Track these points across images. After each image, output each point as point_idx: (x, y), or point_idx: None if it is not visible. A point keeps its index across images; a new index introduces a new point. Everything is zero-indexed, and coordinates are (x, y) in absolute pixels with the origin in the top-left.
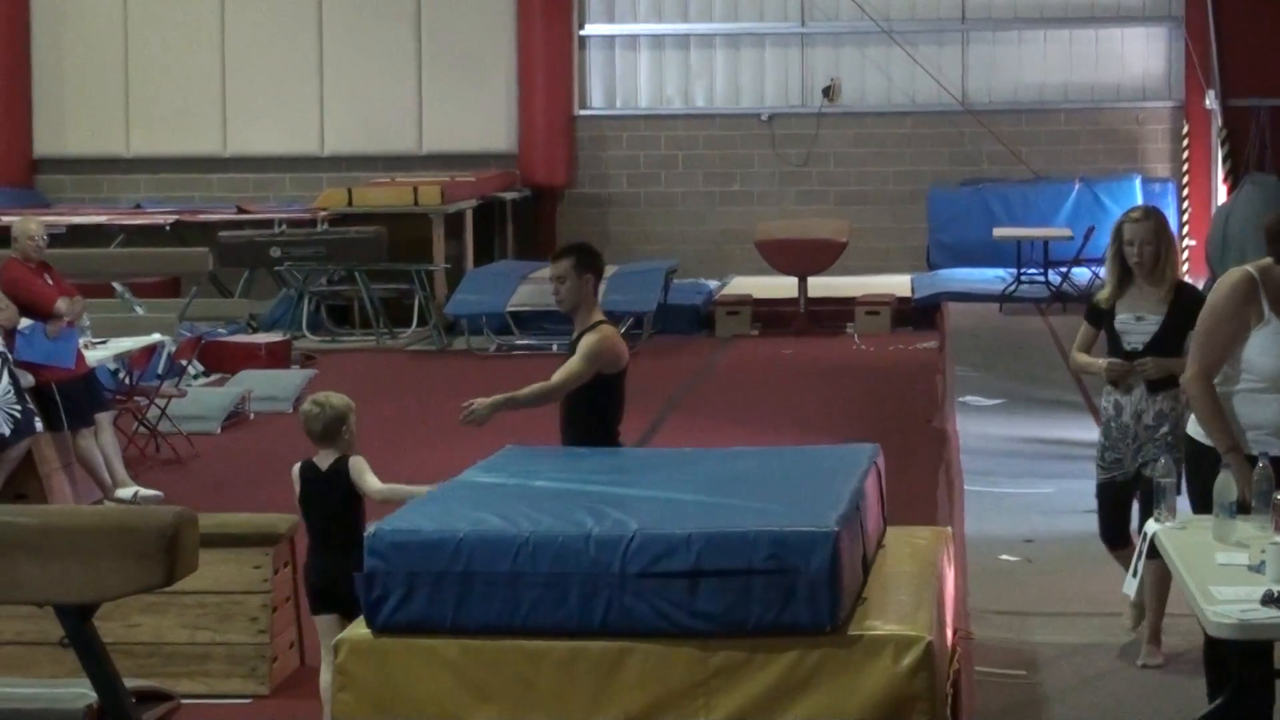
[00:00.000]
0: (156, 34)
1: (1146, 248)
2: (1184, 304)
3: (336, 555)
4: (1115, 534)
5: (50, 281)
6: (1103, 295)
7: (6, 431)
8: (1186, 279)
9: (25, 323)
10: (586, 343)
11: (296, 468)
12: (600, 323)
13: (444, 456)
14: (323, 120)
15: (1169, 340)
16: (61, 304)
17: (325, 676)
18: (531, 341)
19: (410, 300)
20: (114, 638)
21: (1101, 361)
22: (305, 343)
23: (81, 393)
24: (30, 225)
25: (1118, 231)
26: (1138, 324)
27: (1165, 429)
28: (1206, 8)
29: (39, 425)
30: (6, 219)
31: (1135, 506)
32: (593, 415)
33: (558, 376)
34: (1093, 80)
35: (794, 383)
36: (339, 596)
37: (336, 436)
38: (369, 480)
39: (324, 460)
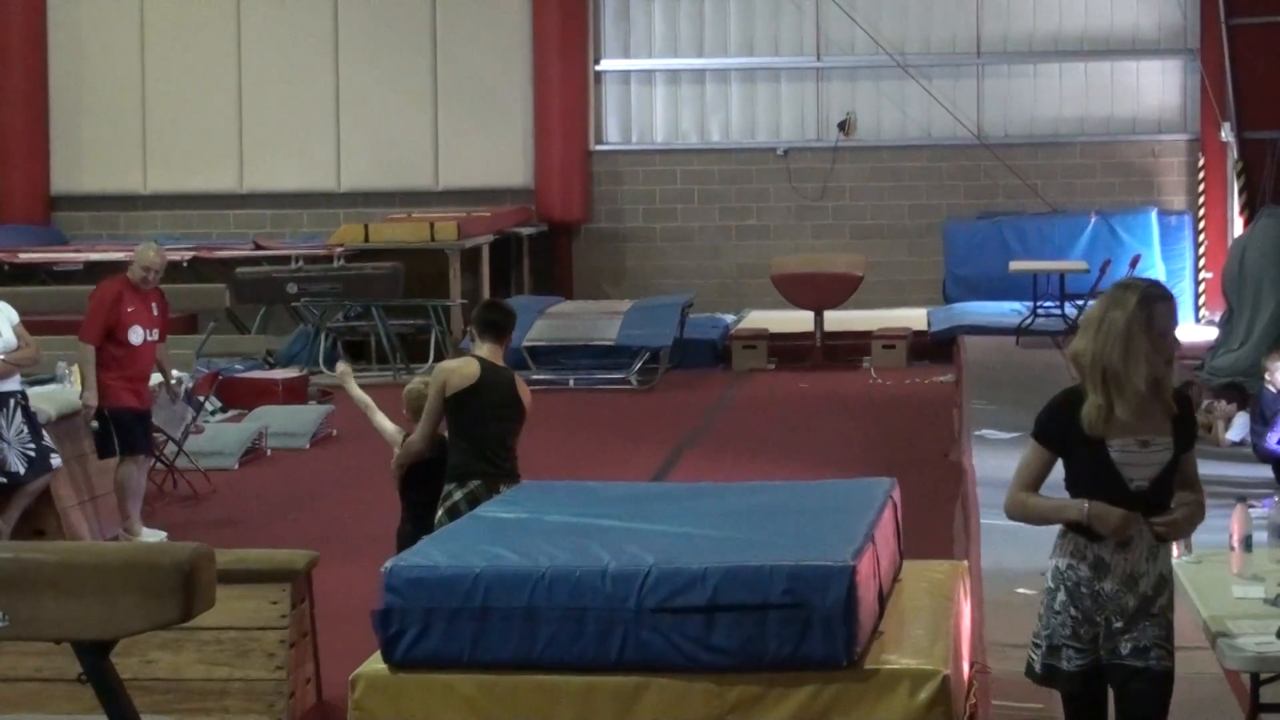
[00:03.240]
0: (173, 72)
1: (1176, 342)
2: (1189, 419)
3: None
4: None
5: (156, 311)
6: (1098, 414)
7: (21, 469)
8: None
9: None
10: None
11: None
12: None
13: None
14: (339, 156)
15: (1175, 472)
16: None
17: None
18: (548, 376)
19: (427, 335)
20: (131, 674)
21: (1114, 513)
22: (322, 378)
23: (134, 424)
24: (149, 255)
25: (1146, 314)
26: (1143, 452)
27: (1164, 600)
28: (1222, 40)
29: (56, 462)
30: (26, 256)
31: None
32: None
33: None
34: (1108, 113)
35: (810, 417)
36: None
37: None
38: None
39: None
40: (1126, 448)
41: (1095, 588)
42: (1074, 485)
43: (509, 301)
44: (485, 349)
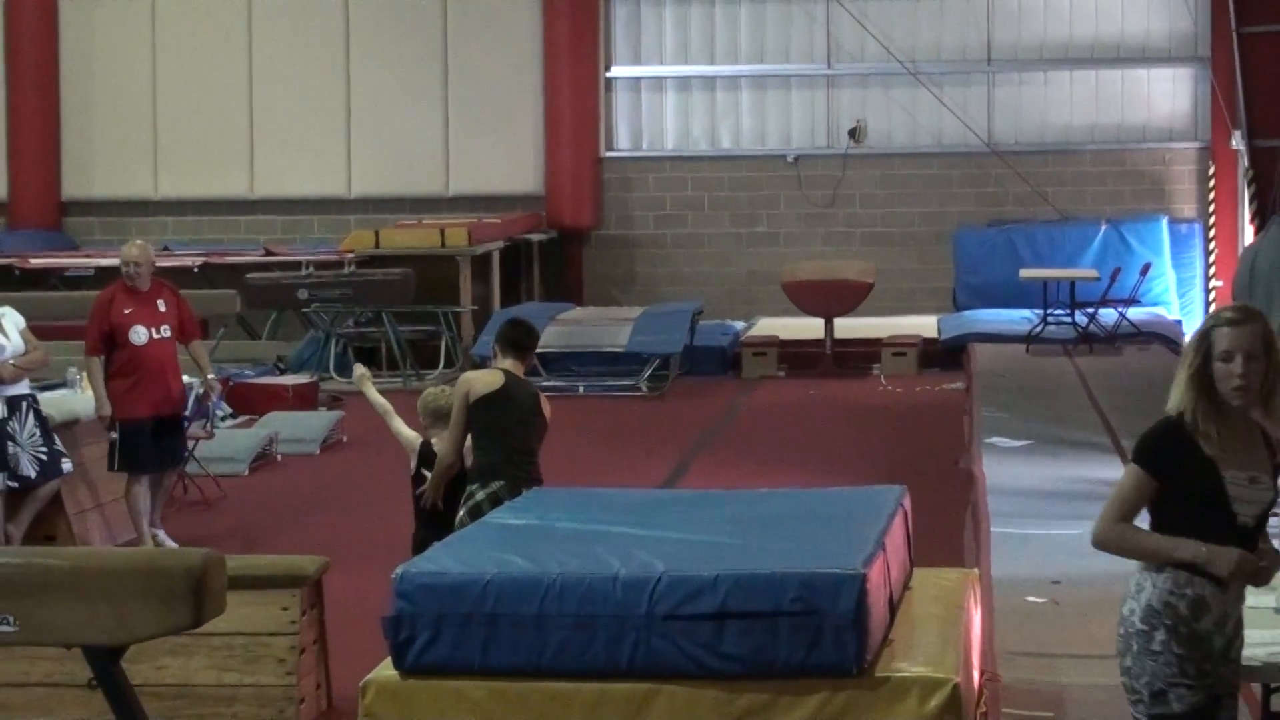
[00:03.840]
0: (184, 77)
1: (1254, 365)
2: (1277, 464)
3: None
4: None
5: (164, 308)
6: (1219, 448)
7: (32, 473)
8: None
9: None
10: None
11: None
12: None
13: None
14: (350, 162)
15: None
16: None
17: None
18: (558, 383)
19: (437, 342)
20: (142, 679)
21: (1233, 552)
22: (332, 384)
23: (141, 439)
24: (128, 251)
25: (1204, 339)
26: (1251, 488)
27: (1239, 641)
28: (1232, 48)
29: (67, 467)
30: (36, 261)
31: None
32: None
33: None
34: (1119, 121)
35: (820, 424)
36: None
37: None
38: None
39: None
40: (1237, 483)
41: (1193, 629)
42: (1175, 516)
43: (529, 319)
44: (508, 363)
